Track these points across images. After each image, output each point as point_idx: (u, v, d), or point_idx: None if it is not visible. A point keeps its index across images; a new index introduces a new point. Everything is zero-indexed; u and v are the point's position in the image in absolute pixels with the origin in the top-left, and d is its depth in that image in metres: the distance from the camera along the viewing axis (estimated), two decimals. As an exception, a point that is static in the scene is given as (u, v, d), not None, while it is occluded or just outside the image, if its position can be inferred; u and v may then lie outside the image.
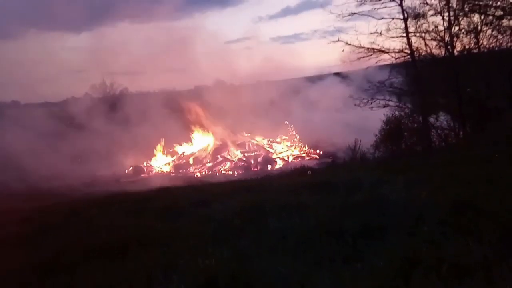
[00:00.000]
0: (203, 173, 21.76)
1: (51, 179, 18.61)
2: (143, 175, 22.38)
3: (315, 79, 35.04)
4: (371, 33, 14.52)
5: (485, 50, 14.52)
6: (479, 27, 14.33)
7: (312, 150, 24.26)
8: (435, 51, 15.20)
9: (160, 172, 22.81)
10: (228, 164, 22.44)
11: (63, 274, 5.12)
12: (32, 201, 13.40)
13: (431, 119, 15.30)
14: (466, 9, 13.48)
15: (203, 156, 23.67)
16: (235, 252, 4.73)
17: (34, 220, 8.79)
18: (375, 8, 14.43)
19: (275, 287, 3.92)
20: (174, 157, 24.26)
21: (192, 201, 8.49)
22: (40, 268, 5.42)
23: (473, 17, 14.19)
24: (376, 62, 14.88)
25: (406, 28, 14.58)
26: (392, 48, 14.74)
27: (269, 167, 21.65)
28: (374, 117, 15.79)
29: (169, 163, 23.63)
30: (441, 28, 14.76)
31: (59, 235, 6.96)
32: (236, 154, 23.32)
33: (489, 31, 14.15)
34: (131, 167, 23.09)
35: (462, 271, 3.80)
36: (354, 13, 14.69)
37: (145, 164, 23.67)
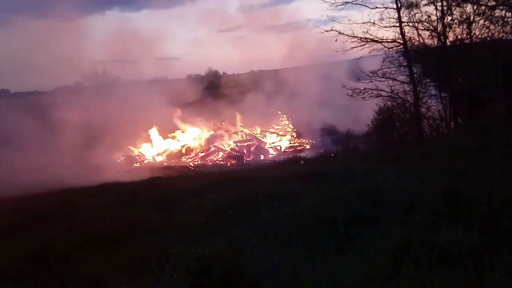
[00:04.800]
0: (196, 162, 21.72)
1: (43, 169, 18.44)
2: (136, 164, 22.29)
3: (308, 68, 34.90)
4: (364, 23, 14.47)
5: (477, 40, 14.57)
6: (471, 18, 14.37)
7: (304, 140, 24.30)
8: (428, 41, 15.24)
9: (152, 161, 22.73)
10: (221, 154, 22.41)
11: (56, 264, 5.12)
12: (24, 191, 13.29)
13: (423, 109, 15.37)
14: (459, -1, 13.50)
15: (196, 146, 23.61)
16: (228, 242, 4.74)
17: (27, 210, 8.74)
18: (368, -3, 14.38)
19: (268, 276, 3.95)
20: (167, 147, 24.14)
21: (185, 191, 8.51)
22: (33, 257, 5.41)
23: (466, 7, 14.23)
24: (369, 52, 14.85)
25: (399, 17, 14.55)
26: (385, 37, 14.72)
27: (262, 157, 21.64)
28: (367, 106, 15.85)
29: (161, 153, 23.54)
30: (434, 18, 14.80)
31: (52, 225, 6.95)
32: (229, 143, 23.28)
33: (481, 22, 14.19)
34: (123, 157, 22.97)
35: (452, 259, 3.85)
36: (348, 2, 14.61)
37: (137, 153, 23.54)
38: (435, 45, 15.12)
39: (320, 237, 4.70)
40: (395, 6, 14.56)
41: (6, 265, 5.33)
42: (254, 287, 3.88)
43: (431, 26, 14.84)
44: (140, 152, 23.60)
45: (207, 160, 21.97)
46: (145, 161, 22.85)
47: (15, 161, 18.70)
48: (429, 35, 15.05)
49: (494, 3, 11.91)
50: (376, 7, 14.52)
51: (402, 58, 15.38)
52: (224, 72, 40.58)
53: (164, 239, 5.36)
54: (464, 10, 14.33)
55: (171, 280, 4.06)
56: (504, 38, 13.58)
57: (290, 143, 24.14)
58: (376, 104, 15.72)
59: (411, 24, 14.86)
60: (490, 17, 13.43)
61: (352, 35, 14.49)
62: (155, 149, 23.91)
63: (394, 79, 15.16)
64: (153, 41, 39.68)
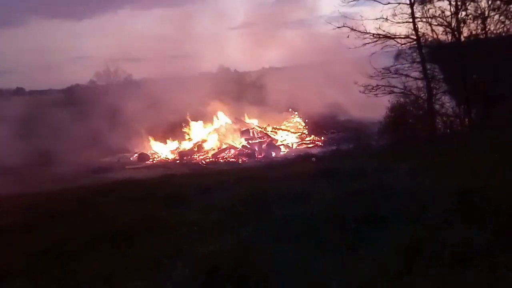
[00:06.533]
0: (208, 160, 21.78)
1: (56, 166, 18.69)
2: (148, 162, 22.44)
3: (320, 65, 34.70)
4: (376, 19, 14.33)
5: (492, 36, 14.32)
6: (486, 12, 14.12)
7: (316, 137, 24.22)
8: (442, 37, 15.01)
9: (165, 159, 22.87)
10: (233, 151, 22.43)
11: (69, 261, 5.18)
12: (37, 188, 13.50)
13: (436, 106, 15.19)
14: (474, -6, 13.27)
15: (207, 143, 23.68)
16: (239, 240, 4.76)
17: (40, 207, 8.86)
18: (381, -7, 14.22)
19: (278, 274, 3.95)
20: (180, 144, 24.28)
21: (197, 189, 8.53)
22: (46, 255, 5.48)
23: (481, 2, 13.99)
24: (382, 48, 14.70)
25: (412, 13, 14.37)
26: (398, 33, 14.56)
27: (273, 154, 21.62)
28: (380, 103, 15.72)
29: (174, 150, 23.67)
30: (448, 13, 14.56)
31: (65, 222, 7.03)
32: (241, 141, 23.29)
33: (496, 17, 13.94)
34: (136, 154, 23.16)
35: (465, 258, 3.81)
36: (360, -2, 14.49)
37: (150, 151, 23.72)
38: (449, 41, 14.90)
39: (331, 235, 4.68)
40: (408, 2, 14.37)
41: (20, 262, 5.41)
42: (265, 285, 3.88)
43: (445, 22, 14.62)
44: (153, 149, 23.78)
45: (219, 157, 22.01)
46: (158, 159, 23.01)
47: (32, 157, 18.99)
48: (443, 31, 14.83)
49: (510, -3, 11.70)
50: (389, 3, 14.35)
51: (415, 54, 15.20)
52: (235, 70, 40.54)
53: (176, 236, 5.40)
54: (479, 5, 14.10)
55: (183, 278, 4.09)
56: (519, 33, 13.35)
57: (302, 141, 24.08)
58: (389, 100, 15.58)
59: (424, 19, 14.67)
60: (505, 12, 13.20)
61: (365, 31, 14.38)
62: (167, 146, 24.08)
63: (407, 76, 14.99)
64: (165, 39, 39.94)
